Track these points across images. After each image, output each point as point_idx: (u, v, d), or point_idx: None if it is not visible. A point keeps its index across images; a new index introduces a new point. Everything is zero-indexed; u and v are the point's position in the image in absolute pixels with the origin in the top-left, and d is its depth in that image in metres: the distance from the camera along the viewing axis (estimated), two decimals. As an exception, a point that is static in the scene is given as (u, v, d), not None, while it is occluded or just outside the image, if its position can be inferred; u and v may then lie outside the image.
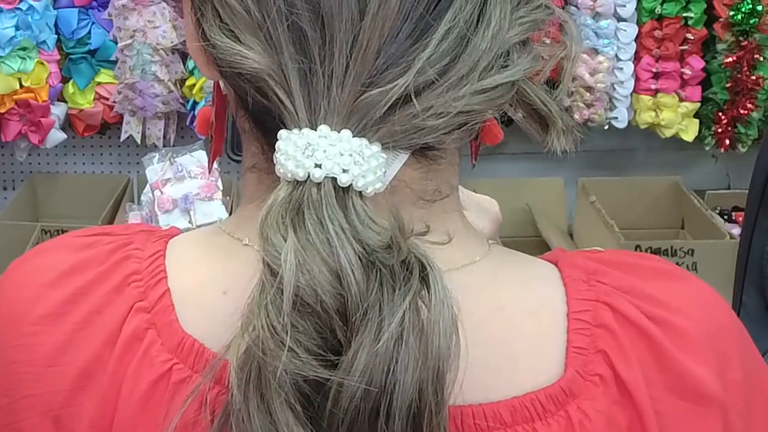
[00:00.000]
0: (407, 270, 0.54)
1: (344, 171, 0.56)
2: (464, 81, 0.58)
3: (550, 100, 0.63)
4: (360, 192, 0.57)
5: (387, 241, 0.54)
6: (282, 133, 0.58)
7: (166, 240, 0.67)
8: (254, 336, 0.53)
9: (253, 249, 0.61)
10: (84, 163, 3.16)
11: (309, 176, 0.57)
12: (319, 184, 0.56)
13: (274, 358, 0.52)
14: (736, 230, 3.04)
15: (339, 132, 0.57)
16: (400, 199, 0.61)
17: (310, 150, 0.57)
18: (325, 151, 0.56)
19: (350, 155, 0.56)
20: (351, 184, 0.56)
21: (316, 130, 0.57)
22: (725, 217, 3.08)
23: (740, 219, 3.05)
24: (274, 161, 0.58)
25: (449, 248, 0.59)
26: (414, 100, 0.57)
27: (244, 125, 0.65)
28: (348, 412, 0.52)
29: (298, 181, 0.57)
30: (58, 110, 2.88)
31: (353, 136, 0.57)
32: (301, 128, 0.58)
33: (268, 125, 0.61)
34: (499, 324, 0.62)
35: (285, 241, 0.55)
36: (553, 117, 0.63)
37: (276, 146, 0.58)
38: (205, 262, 0.65)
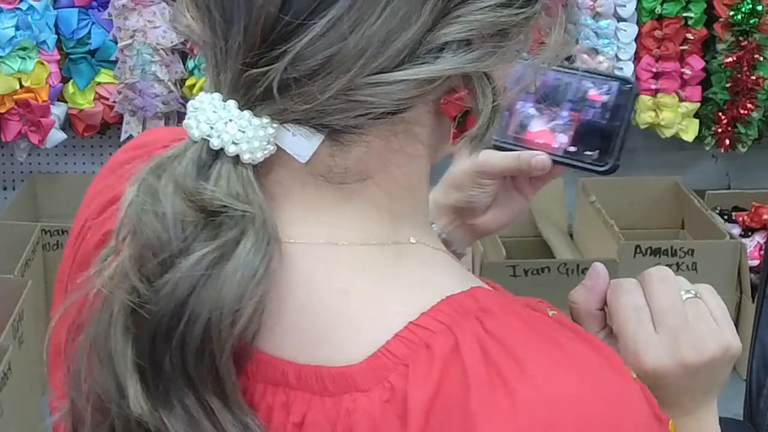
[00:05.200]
0: (228, 229, 0.61)
1: (218, 136, 0.62)
2: (346, 73, 0.60)
3: (488, 108, 0.63)
4: (236, 157, 0.62)
5: (219, 203, 0.61)
6: (200, 94, 0.65)
7: None
8: (110, 250, 0.64)
9: None
10: (84, 163, 3.17)
11: (190, 135, 0.63)
12: (197, 143, 0.63)
13: (112, 278, 0.62)
14: (736, 230, 3.04)
15: (225, 102, 0.63)
16: (293, 173, 0.65)
17: (196, 112, 0.63)
18: (207, 116, 0.63)
19: (227, 123, 0.62)
20: (223, 149, 0.62)
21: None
22: (725, 217, 3.08)
23: (740, 219, 3.05)
24: None
25: (322, 225, 0.65)
26: (293, 84, 0.61)
27: None
28: (150, 330, 0.61)
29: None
30: (58, 110, 2.89)
31: (239, 108, 0.62)
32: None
33: None
34: (334, 303, 0.63)
35: (141, 179, 0.63)
36: (478, 126, 0.64)
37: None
38: None
